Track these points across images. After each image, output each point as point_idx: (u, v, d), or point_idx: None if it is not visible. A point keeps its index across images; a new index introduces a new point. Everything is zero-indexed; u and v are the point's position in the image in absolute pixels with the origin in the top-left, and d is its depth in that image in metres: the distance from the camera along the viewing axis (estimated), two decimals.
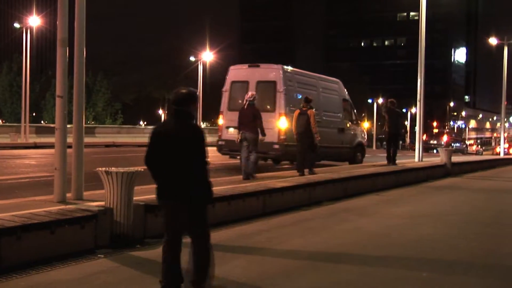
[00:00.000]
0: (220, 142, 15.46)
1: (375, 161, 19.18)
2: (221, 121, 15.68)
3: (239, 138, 11.36)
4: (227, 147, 15.17)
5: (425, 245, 7.02)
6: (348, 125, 17.76)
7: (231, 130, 14.65)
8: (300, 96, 14.44)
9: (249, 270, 5.57)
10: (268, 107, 14.62)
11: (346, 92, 18.40)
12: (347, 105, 18.10)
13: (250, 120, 11.16)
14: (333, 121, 16.78)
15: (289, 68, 15.92)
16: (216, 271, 4.58)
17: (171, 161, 4.46)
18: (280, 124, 14.53)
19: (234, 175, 12.20)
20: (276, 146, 14.43)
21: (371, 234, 7.58)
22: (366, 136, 20.70)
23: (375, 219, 8.90)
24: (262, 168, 14.68)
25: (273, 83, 14.89)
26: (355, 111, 18.86)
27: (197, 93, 4.83)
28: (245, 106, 11.33)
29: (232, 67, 16.16)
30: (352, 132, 18.00)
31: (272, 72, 15.25)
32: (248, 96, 11.40)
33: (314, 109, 12.66)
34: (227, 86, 15.67)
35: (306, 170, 12.38)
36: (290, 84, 15.09)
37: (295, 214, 9.16)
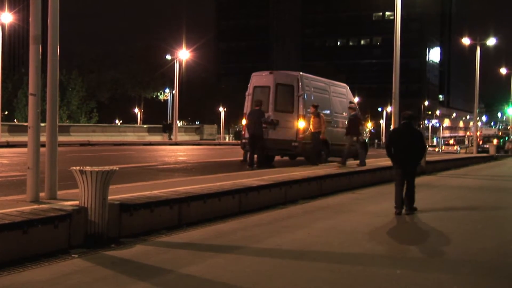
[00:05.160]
0: (244, 141, 16.76)
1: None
2: (244, 121, 16.87)
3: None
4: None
5: (400, 243, 7.10)
6: None
7: None
8: (312, 98, 16.34)
9: (226, 269, 5.56)
10: (288, 109, 16.04)
11: (352, 96, 19.87)
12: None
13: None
14: (342, 122, 17.72)
15: (306, 74, 17.13)
16: (193, 269, 4.52)
17: (405, 147, 9.29)
18: (299, 124, 15.81)
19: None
20: (295, 144, 15.77)
21: (347, 232, 7.64)
22: (369, 135, 22.31)
23: (350, 217, 8.96)
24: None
25: (292, 87, 16.15)
26: (359, 113, 19.89)
27: (414, 114, 9.78)
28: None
29: (254, 74, 17.18)
30: None
31: (291, 78, 16.47)
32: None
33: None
34: (250, 90, 16.78)
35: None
36: (307, 89, 16.42)
37: (271, 212, 9.18)
